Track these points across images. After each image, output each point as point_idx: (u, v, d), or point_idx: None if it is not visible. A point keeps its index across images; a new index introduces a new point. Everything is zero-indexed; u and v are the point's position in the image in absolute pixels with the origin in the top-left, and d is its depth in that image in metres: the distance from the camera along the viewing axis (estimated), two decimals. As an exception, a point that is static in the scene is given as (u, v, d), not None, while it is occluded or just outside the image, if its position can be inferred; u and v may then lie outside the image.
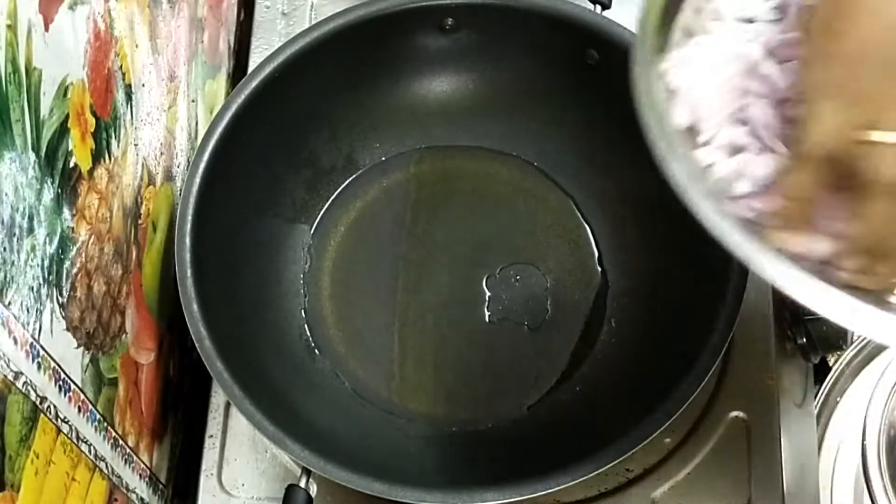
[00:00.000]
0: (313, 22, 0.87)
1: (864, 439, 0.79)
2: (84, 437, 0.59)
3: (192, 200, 0.70)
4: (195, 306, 0.68)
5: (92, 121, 0.58)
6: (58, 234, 0.54)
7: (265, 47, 0.90)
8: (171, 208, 0.76)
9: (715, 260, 0.67)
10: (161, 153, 0.73)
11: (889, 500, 0.78)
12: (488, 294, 0.81)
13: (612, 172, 0.83)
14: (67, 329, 0.56)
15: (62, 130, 0.54)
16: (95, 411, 0.61)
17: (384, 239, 0.84)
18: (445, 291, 0.81)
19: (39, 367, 0.52)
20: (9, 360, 0.48)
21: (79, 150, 0.56)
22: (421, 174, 0.86)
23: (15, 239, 0.49)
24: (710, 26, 0.51)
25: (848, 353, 0.87)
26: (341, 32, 0.76)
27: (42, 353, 0.52)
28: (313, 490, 0.68)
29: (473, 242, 0.83)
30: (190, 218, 0.70)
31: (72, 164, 0.55)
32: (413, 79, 0.84)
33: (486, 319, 0.80)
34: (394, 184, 0.86)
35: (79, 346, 0.58)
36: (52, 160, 0.52)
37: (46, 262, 0.52)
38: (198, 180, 0.71)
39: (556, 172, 0.85)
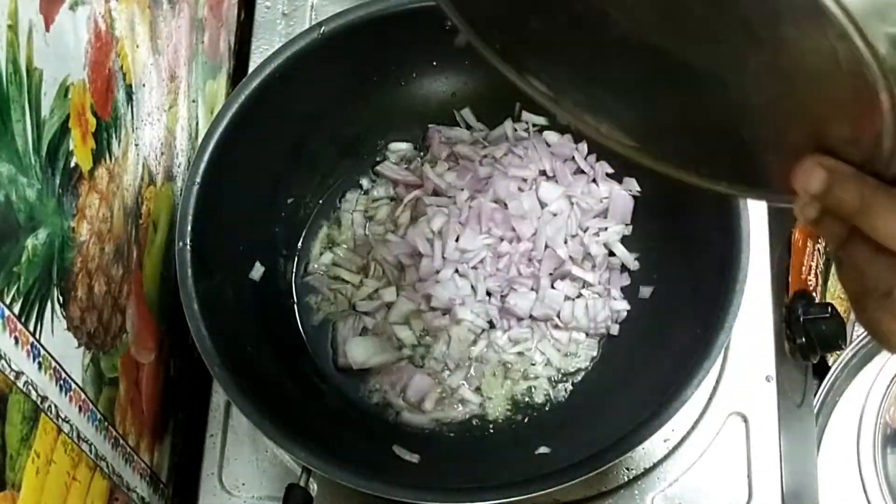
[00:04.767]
0: (314, 22, 0.87)
1: (859, 438, 0.79)
2: (85, 437, 0.59)
3: (192, 200, 0.71)
4: (195, 306, 0.68)
5: (93, 121, 0.58)
6: (59, 234, 0.54)
7: (266, 47, 0.90)
8: (172, 208, 0.76)
9: (714, 270, 0.70)
10: (162, 153, 0.73)
11: (883, 498, 0.78)
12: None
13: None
14: (68, 329, 0.56)
15: (63, 131, 0.54)
16: (96, 411, 0.61)
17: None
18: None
19: (40, 366, 0.52)
20: (10, 359, 0.48)
21: (79, 151, 0.56)
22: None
23: (16, 239, 0.49)
24: None
25: (847, 353, 0.87)
26: (342, 33, 0.76)
27: (43, 352, 0.52)
28: (313, 489, 0.68)
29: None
30: (190, 217, 0.70)
31: (73, 165, 0.55)
32: (413, 78, 0.84)
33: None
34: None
35: (79, 345, 0.58)
36: (53, 160, 0.52)
37: (47, 262, 0.52)
38: (198, 180, 0.71)
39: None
